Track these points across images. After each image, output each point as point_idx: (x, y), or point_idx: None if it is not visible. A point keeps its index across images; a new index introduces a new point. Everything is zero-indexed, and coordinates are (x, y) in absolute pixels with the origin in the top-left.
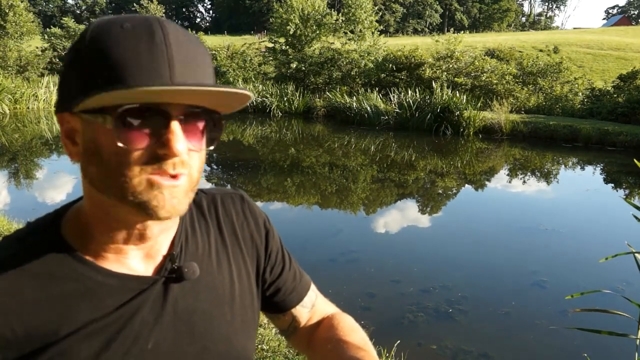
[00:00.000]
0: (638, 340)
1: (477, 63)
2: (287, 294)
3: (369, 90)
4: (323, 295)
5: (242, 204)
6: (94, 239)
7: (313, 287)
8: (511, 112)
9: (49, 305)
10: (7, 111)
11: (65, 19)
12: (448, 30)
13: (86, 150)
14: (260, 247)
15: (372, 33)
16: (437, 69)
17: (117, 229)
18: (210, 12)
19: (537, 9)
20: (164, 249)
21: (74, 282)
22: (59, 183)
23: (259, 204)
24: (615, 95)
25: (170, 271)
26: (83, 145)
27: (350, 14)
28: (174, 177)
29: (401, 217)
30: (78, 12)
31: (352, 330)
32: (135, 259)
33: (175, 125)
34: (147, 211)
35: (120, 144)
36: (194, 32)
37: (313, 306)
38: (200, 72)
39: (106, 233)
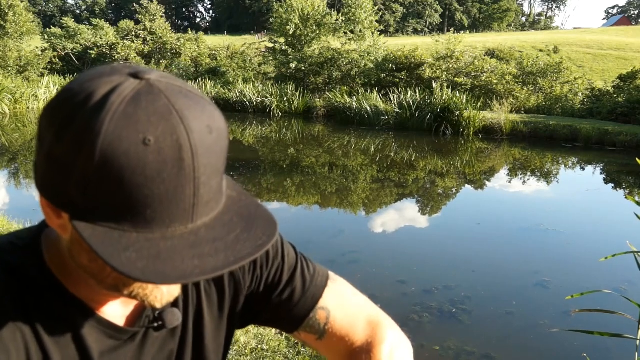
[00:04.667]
0: (638, 341)
1: (477, 63)
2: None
3: (369, 90)
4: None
5: None
6: (75, 278)
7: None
8: (511, 112)
9: (39, 338)
10: (7, 111)
11: (65, 19)
12: (448, 30)
13: (77, 241)
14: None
15: (372, 33)
16: (437, 69)
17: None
18: (210, 12)
19: (537, 9)
20: None
21: (63, 320)
22: None
23: None
24: (615, 95)
25: (152, 320)
26: (72, 234)
27: (350, 14)
28: None
29: (402, 217)
30: (78, 12)
31: None
32: (115, 303)
33: None
34: (142, 302)
35: None
36: (194, 32)
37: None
38: (218, 197)
39: (87, 281)
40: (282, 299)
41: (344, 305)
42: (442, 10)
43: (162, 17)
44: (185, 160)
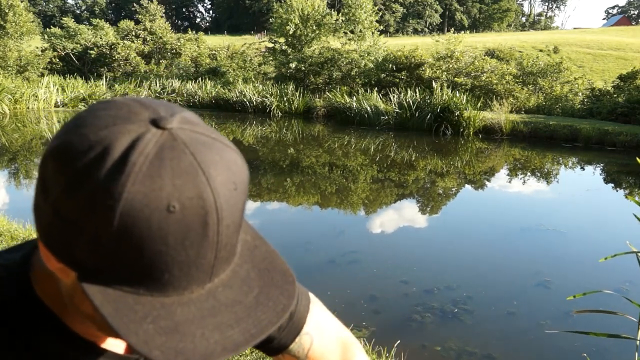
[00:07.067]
0: (638, 341)
1: (477, 63)
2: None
3: (369, 90)
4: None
5: None
6: (72, 312)
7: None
8: (511, 112)
9: None
10: (7, 111)
11: (65, 19)
12: (448, 30)
13: (81, 291)
14: None
15: (372, 33)
16: (437, 69)
17: None
18: (210, 12)
19: (537, 9)
20: None
21: (63, 358)
22: None
23: (258, 203)
24: (615, 95)
25: None
26: (76, 282)
27: (350, 14)
28: None
29: (402, 217)
30: (78, 12)
31: None
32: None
33: None
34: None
35: None
36: (194, 32)
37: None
38: (235, 250)
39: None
40: None
41: (323, 330)
42: (442, 10)
43: (162, 17)
44: (210, 226)
